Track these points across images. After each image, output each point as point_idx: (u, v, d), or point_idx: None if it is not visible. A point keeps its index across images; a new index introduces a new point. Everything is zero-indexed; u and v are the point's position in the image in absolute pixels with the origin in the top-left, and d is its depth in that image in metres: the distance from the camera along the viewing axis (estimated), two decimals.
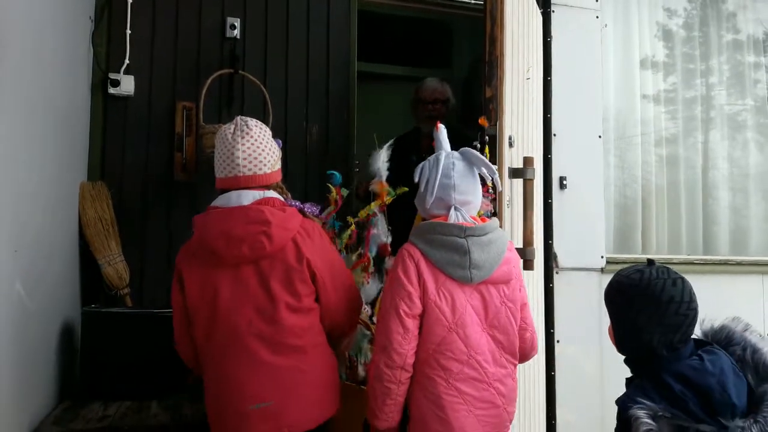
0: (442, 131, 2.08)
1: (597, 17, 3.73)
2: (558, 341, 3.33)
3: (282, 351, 1.89)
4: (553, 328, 3.26)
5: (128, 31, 3.06)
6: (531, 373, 2.79)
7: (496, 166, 2.21)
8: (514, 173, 2.63)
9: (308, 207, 2.23)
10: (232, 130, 1.98)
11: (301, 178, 3.28)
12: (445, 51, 4.82)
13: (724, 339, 1.63)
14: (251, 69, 3.21)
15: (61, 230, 2.54)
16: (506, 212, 2.59)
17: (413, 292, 1.90)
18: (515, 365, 2.01)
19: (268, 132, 2.05)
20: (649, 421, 1.47)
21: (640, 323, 1.60)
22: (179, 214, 3.11)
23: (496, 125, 2.57)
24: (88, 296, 2.87)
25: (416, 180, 2.01)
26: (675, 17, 4.18)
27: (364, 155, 3.44)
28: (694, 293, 1.61)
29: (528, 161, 2.65)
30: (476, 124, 2.59)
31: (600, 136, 3.66)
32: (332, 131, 3.37)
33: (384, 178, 2.56)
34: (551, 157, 3.39)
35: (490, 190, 2.35)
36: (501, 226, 2.28)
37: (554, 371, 3.24)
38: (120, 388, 2.50)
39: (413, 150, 3.27)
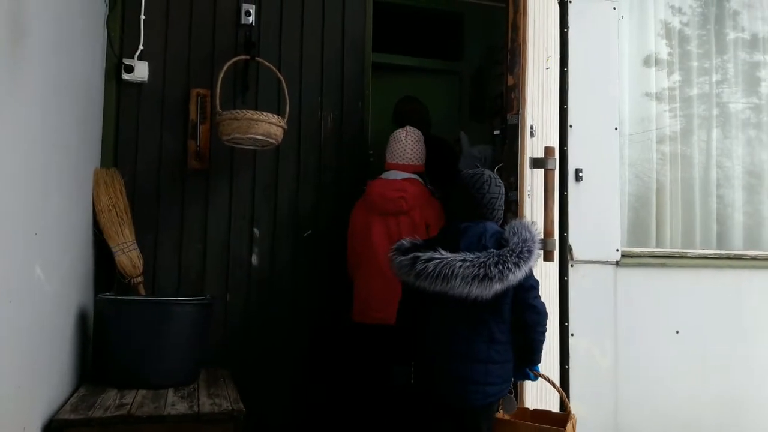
0: (464, 137, 3.52)
1: (614, 8, 3.69)
2: (572, 334, 3.31)
3: None
4: (567, 321, 3.23)
5: (143, 17, 3.02)
6: (545, 366, 2.76)
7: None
8: (535, 163, 2.61)
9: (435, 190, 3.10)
10: (405, 134, 3.09)
11: (313, 166, 3.25)
12: (457, 42, 4.78)
13: (508, 225, 2.30)
14: (266, 56, 3.15)
15: (76, 216, 2.50)
16: (527, 202, 2.57)
17: None
18: None
19: (422, 137, 3.13)
20: (404, 242, 2.32)
21: (452, 201, 2.43)
22: (193, 203, 3.08)
23: (517, 114, 2.54)
24: (101, 284, 2.84)
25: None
26: (680, 15, 4.13)
27: (378, 144, 3.43)
28: (490, 185, 2.32)
29: (549, 151, 2.63)
30: (487, 116, 2.62)
31: (616, 128, 3.63)
32: (346, 120, 3.33)
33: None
34: (567, 149, 3.36)
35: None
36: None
37: (568, 365, 3.22)
38: (133, 376, 2.48)
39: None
